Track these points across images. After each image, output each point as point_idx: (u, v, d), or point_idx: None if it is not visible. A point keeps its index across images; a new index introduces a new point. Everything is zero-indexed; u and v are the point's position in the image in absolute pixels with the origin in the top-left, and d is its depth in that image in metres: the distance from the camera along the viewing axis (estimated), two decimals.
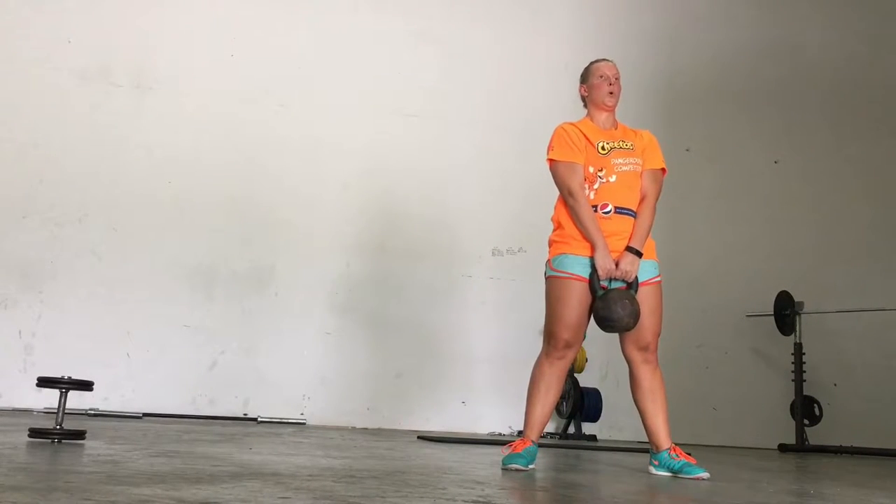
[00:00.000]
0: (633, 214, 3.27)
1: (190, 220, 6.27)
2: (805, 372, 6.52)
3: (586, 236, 3.20)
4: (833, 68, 7.80)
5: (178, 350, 6.06)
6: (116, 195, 6.18)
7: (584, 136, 3.30)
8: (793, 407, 6.56)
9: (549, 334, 3.21)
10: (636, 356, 3.26)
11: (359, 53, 6.81)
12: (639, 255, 3.21)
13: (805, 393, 6.53)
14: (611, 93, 3.37)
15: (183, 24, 6.55)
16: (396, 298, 6.53)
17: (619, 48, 7.30)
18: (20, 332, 5.87)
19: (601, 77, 3.40)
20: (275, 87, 6.62)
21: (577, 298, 3.19)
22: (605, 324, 3.15)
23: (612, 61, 3.48)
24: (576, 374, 6.37)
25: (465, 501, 2.02)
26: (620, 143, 3.32)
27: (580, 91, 3.48)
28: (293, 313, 6.33)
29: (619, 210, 3.25)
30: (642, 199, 3.31)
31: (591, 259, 3.19)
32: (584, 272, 3.20)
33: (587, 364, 6.34)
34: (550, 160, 3.31)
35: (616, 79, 3.41)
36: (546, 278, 3.31)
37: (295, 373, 6.23)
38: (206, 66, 6.54)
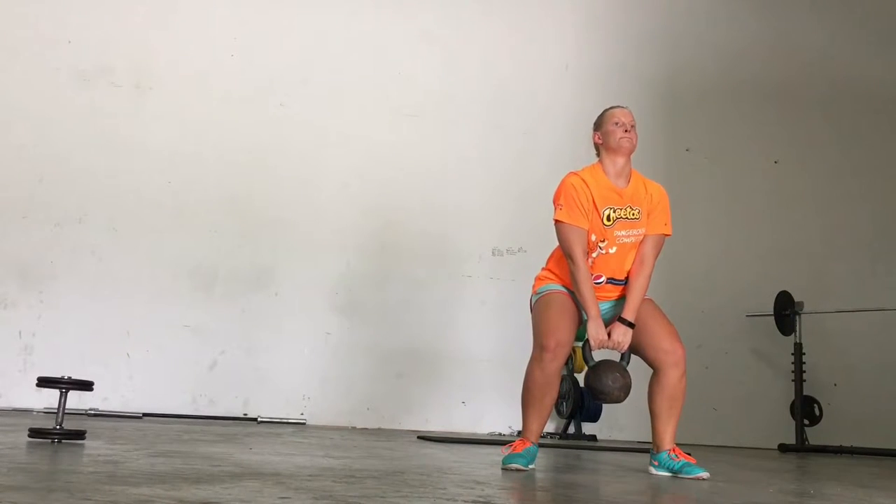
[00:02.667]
0: (624, 283, 3.26)
1: (190, 220, 6.26)
2: (805, 372, 6.52)
3: (581, 303, 3.20)
4: (833, 68, 7.79)
5: (178, 350, 6.05)
6: (116, 195, 6.17)
7: (592, 197, 3.18)
8: (793, 407, 6.56)
9: (541, 336, 3.17)
10: (664, 359, 3.18)
11: (359, 53, 6.81)
12: (631, 326, 3.17)
13: (805, 393, 6.53)
14: (626, 139, 3.22)
15: (183, 23, 6.55)
16: (396, 298, 6.53)
17: (619, 48, 7.36)
18: (20, 332, 5.87)
19: (616, 124, 3.24)
20: (275, 87, 6.61)
21: (562, 304, 3.21)
22: (596, 395, 3.13)
23: (627, 108, 3.33)
24: (576, 374, 6.37)
25: (465, 501, 2.02)
26: (628, 209, 3.21)
27: (594, 139, 3.33)
28: (293, 313, 6.33)
29: (611, 281, 3.26)
30: (640, 264, 3.23)
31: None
32: (569, 292, 3.24)
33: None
34: (557, 220, 3.23)
35: (632, 126, 3.26)
36: (532, 305, 3.34)
37: (295, 373, 6.22)
38: (206, 65, 6.53)
